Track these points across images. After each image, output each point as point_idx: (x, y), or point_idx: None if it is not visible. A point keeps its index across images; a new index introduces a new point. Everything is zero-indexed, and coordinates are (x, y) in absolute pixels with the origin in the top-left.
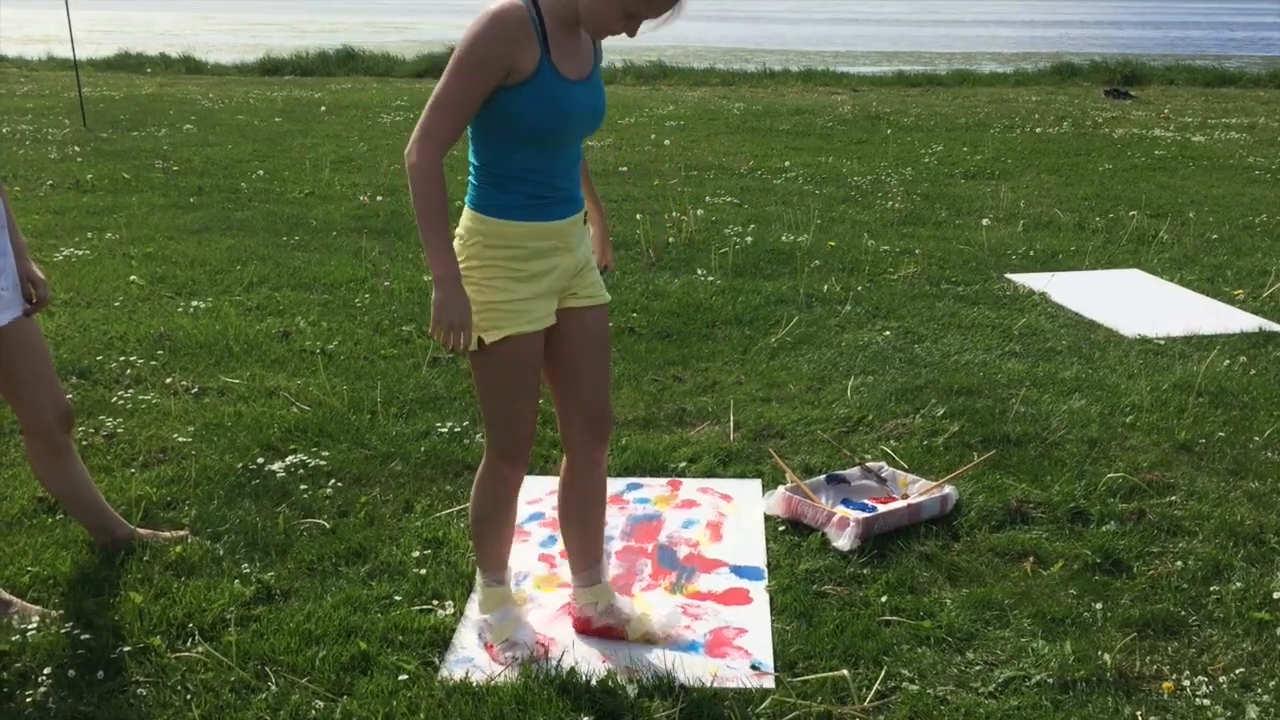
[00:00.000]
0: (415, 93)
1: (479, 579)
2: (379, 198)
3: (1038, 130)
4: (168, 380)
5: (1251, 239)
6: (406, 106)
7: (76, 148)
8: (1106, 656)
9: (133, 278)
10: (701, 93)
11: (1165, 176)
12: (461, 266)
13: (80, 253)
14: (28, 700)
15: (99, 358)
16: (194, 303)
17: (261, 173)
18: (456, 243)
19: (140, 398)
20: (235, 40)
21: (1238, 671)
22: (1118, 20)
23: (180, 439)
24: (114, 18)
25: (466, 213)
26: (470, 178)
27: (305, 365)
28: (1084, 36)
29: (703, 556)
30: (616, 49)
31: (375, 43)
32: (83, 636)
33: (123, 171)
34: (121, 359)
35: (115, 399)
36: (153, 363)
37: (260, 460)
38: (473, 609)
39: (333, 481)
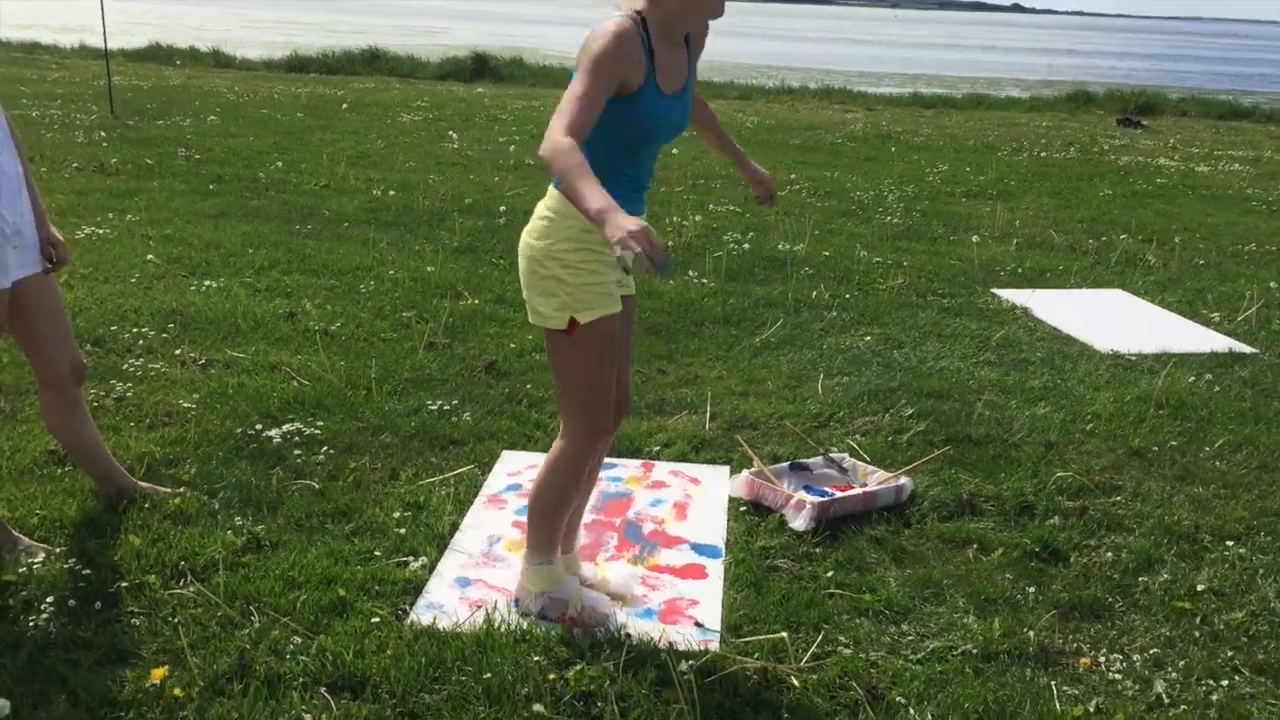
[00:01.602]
0: (436, 94)
1: (531, 562)
2: (391, 192)
3: (1043, 154)
4: (177, 351)
5: (1237, 266)
6: (426, 107)
7: (103, 133)
8: (1031, 633)
9: (150, 257)
10: (717, 106)
11: (1163, 204)
12: (553, 247)
13: (101, 232)
14: (30, 625)
15: (113, 328)
16: (206, 282)
17: (280, 164)
18: (544, 223)
19: (150, 366)
20: (265, 38)
21: (1152, 652)
22: (1149, 54)
23: (185, 405)
24: (148, 10)
25: (559, 197)
26: None
27: (308, 344)
28: (1112, 68)
29: (666, 533)
30: None
31: (403, 45)
32: (84, 572)
33: (146, 157)
34: (134, 330)
35: (126, 366)
36: (163, 335)
37: (259, 427)
38: (446, 564)
39: (325, 449)
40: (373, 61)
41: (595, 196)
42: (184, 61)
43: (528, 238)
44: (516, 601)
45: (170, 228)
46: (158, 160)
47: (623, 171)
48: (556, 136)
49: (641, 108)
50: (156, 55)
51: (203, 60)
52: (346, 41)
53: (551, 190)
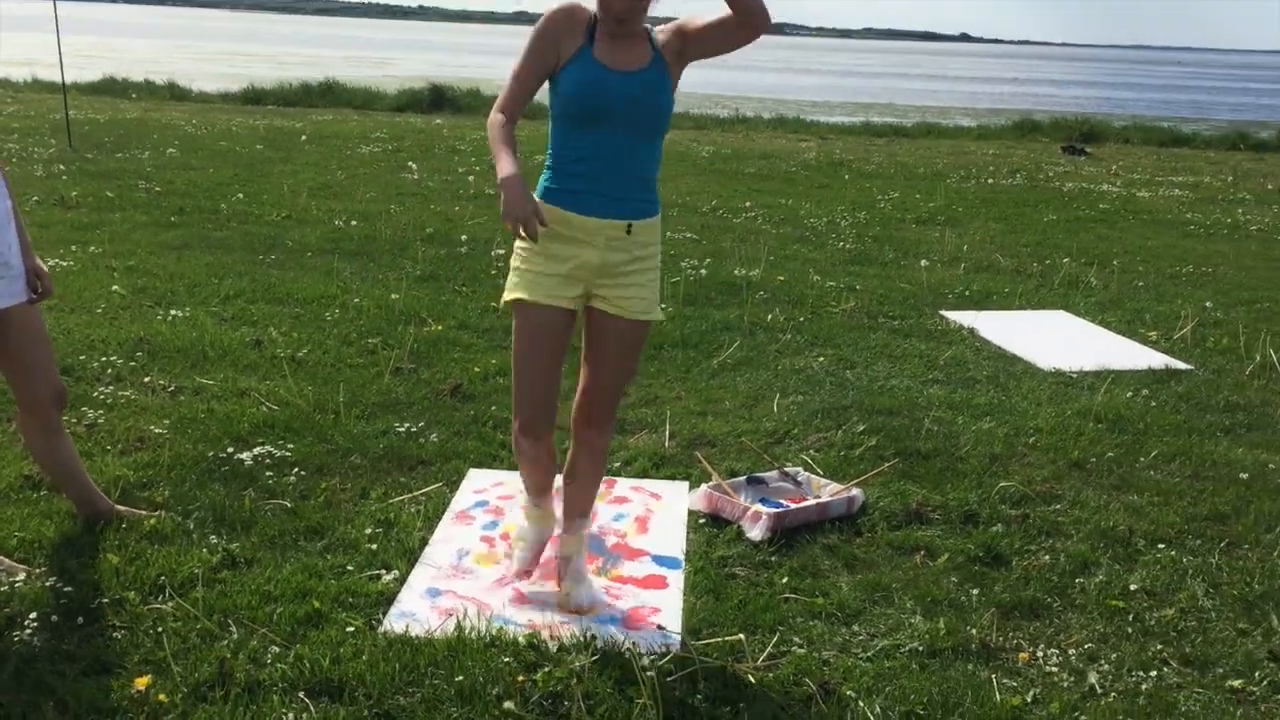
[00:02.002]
0: (395, 126)
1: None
2: (353, 222)
3: (991, 181)
4: (146, 379)
5: (1175, 287)
6: (385, 139)
7: (61, 166)
8: (974, 631)
9: (115, 287)
10: (673, 135)
11: (1105, 228)
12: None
13: (65, 264)
14: (15, 639)
15: (82, 357)
16: (173, 312)
17: (241, 196)
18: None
19: (120, 394)
20: (216, 70)
21: (1086, 647)
22: (1093, 81)
23: (156, 430)
24: (97, 44)
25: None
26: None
27: (275, 370)
28: (1052, 96)
29: (628, 546)
30: None
31: (355, 77)
32: (65, 589)
33: (106, 190)
34: (103, 359)
35: (97, 394)
36: (132, 363)
37: (230, 450)
38: (416, 576)
39: (296, 470)
40: (329, 93)
41: (503, 165)
42: (139, 95)
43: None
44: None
45: (134, 259)
46: (118, 193)
47: (578, 154)
48: (492, 113)
49: (576, 73)
50: (111, 89)
51: (158, 93)
52: (297, 74)
53: None
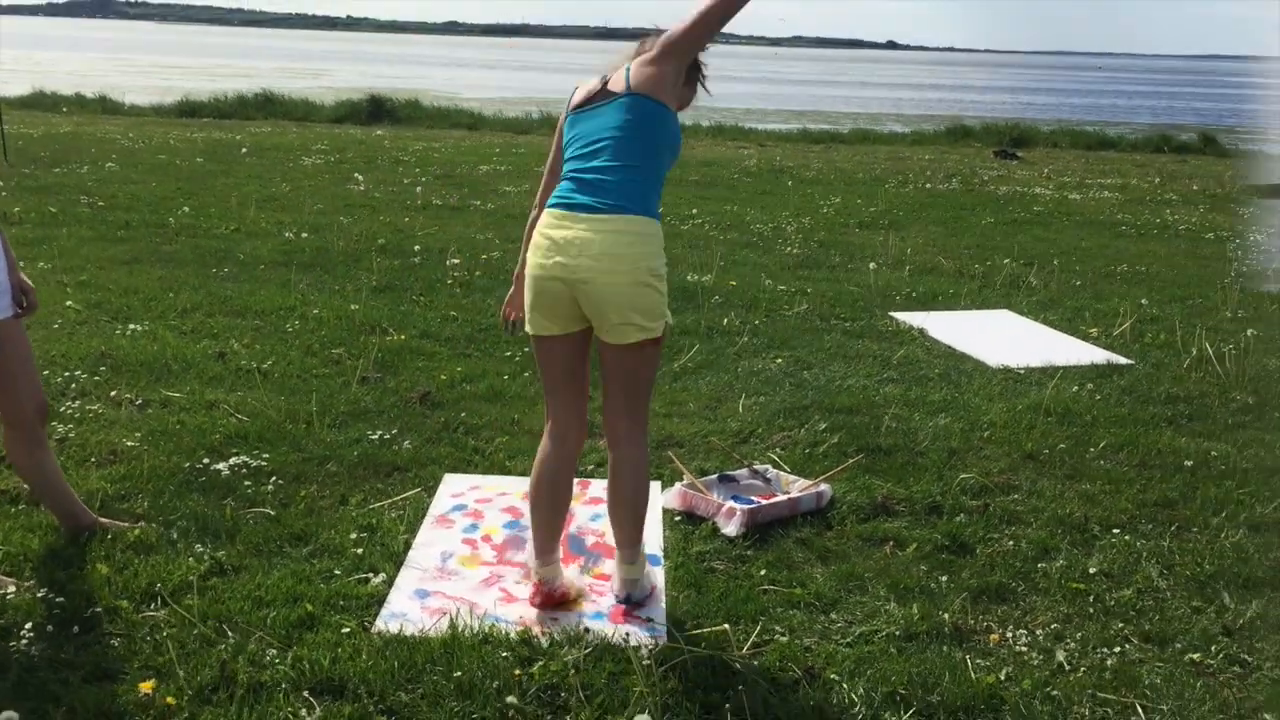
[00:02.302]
0: (335, 137)
1: (641, 555)
2: (304, 234)
3: (928, 186)
4: (112, 393)
5: (1111, 285)
6: (327, 150)
7: (0, 182)
8: (946, 615)
9: (69, 303)
10: None
11: (1041, 230)
12: (657, 265)
13: None
14: (13, 649)
15: (45, 373)
16: (131, 326)
17: (187, 209)
18: (644, 244)
19: (87, 408)
20: (147, 83)
21: (1052, 626)
22: (1016, 87)
23: (129, 443)
24: (21, 58)
25: (644, 219)
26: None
27: (242, 382)
28: (985, 101)
29: (607, 544)
30: (535, 99)
31: (289, 88)
32: (57, 600)
33: (49, 206)
34: (66, 374)
35: (64, 409)
36: (96, 378)
37: (205, 461)
38: (403, 578)
39: (274, 479)
40: (266, 105)
41: None
42: (71, 108)
43: (638, 264)
44: (629, 598)
45: (85, 274)
46: (61, 208)
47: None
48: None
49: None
50: (41, 103)
51: (90, 107)
52: (231, 86)
53: (625, 217)
